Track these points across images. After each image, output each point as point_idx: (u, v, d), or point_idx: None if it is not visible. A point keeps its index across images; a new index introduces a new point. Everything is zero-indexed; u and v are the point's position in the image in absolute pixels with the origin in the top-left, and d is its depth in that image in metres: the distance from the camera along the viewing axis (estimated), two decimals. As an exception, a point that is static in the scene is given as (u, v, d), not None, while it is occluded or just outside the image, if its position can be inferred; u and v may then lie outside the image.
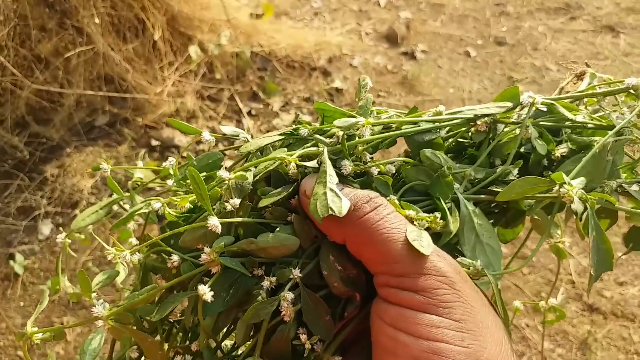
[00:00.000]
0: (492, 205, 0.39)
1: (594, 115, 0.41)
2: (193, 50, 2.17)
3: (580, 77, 0.47)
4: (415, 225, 0.32)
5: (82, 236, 0.50)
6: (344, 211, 0.31)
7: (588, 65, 0.47)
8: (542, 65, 2.38)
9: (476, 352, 0.27)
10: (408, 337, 0.28)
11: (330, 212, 0.31)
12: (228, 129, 0.42)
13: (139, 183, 0.46)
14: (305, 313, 0.33)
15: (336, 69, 2.34)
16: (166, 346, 0.37)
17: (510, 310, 0.40)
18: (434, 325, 0.28)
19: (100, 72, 1.99)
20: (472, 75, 2.35)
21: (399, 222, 0.32)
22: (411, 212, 0.33)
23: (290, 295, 0.32)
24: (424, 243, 0.30)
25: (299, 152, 0.36)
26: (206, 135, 0.42)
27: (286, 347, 0.33)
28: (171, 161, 0.43)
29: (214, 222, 0.33)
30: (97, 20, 1.96)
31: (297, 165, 0.36)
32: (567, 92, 0.46)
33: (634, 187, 0.39)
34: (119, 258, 0.36)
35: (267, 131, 1.76)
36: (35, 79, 1.90)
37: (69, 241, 0.44)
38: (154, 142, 1.95)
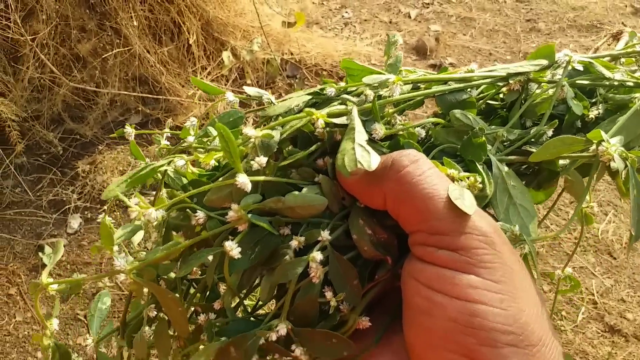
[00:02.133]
0: (524, 166, 0.38)
1: (636, 72, 0.39)
2: (226, 56, 2.21)
3: (616, 37, 0.46)
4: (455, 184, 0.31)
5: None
6: (373, 166, 0.30)
7: (625, 25, 0.46)
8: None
9: (515, 314, 0.26)
10: (444, 298, 0.27)
11: (359, 167, 0.30)
12: (252, 89, 0.40)
13: (164, 150, 0.44)
14: (332, 277, 0.32)
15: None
16: (185, 305, 0.36)
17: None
18: (473, 286, 0.27)
19: (135, 73, 2.05)
20: (501, 90, 2.34)
21: (440, 178, 0.30)
22: (453, 171, 0.32)
23: (319, 257, 0.31)
24: (466, 202, 0.29)
25: (326, 109, 0.35)
26: (230, 96, 0.40)
27: (313, 307, 0.32)
28: (193, 121, 0.41)
29: (243, 180, 0.32)
30: (135, 23, 2.02)
31: (325, 123, 0.34)
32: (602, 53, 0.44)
33: None
34: (144, 216, 0.34)
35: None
36: (72, 77, 1.97)
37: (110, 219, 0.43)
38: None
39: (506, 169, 0.35)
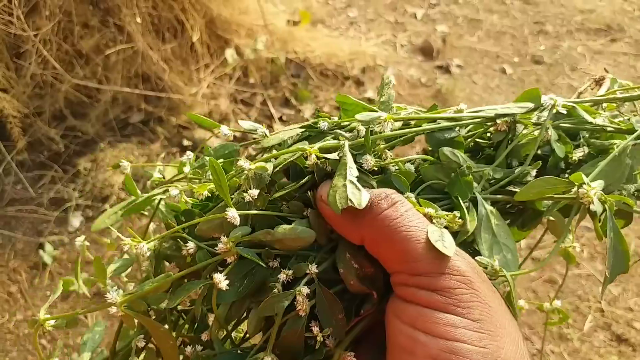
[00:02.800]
0: (509, 205, 0.39)
1: (616, 119, 0.41)
2: (229, 54, 2.20)
3: (599, 82, 0.47)
4: (434, 223, 0.32)
5: (107, 240, 0.51)
6: (363, 203, 0.31)
7: (607, 71, 0.47)
8: (579, 86, 2.34)
9: (493, 352, 0.27)
10: (426, 337, 0.28)
11: (350, 204, 0.30)
12: (246, 123, 0.42)
13: (157, 183, 0.45)
14: (319, 310, 0.32)
15: (369, 79, 2.34)
16: (174, 335, 0.37)
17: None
18: (453, 325, 0.28)
19: (138, 71, 2.03)
20: (507, 92, 2.32)
21: (417, 220, 0.31)
22: (430, 210, 0.33)
23: (306, 290, 0.32)
24: (446, 243, 0.30)
25: (319, 144, 0.36)
26: (224, 129, 0.42)
27: (299, 341, 0.33)
28: (189, 155, 0.43)
29: (233, 214, 0.33)
30: (138, 20, 2.00)
31: (317, 157, 0.35)
32: (585, 97, 0.46)
33: None
34: (136, 248, 0.35)
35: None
36: (75, 74, 1.95)
37: (88, 244, 0.44)
38: (186, 142, 1.98)
39: (491, 208, 0.36)
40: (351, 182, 0.32)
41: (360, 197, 0.31)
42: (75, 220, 1.73)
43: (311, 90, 2.25)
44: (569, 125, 0.40)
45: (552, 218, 0.40)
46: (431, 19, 2.79)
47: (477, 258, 0.33)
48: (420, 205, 0.34)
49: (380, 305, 0.33)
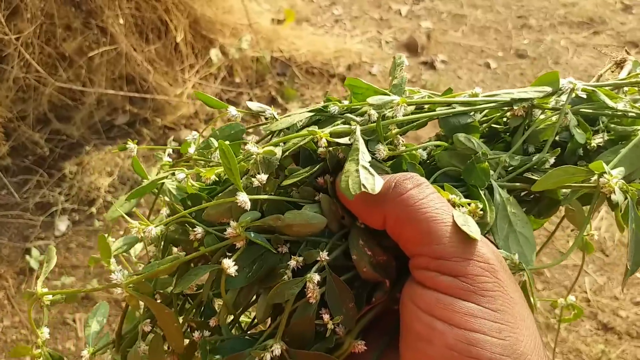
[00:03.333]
0: (524, 193, 0.38)
1: (636, 105, 0.39)
2: (214, 54, 2.19)
3: (620, 64, 0.45)
4: (457, 209, 0.31)
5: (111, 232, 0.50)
6: (377, 188, 0.30)
7: (628, 53, 0.45)
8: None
9: (513, 344, 0.26)
10: (444, 325, 0.27)
11: (363, 189, 0.30)
12: (254, 104, 0.40)
13: (167, 166, 0.44)
14: (329, 298, 0.32)
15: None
16: (181, 320, 0.36)
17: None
18: (472, 314, 0.27)
19: (122, 72, 2.02)
20: (492, 87, 2.33)
21: (442, 203, 0.30)
22: (454, 197, 0.32)
23: (317, 278, 0.31)
24: (472, 228, 0.29)
25: (329, 129, 0.35)
26: (232, 110, 0.40)
27: (309, 328, 0.32)
28: (194, 135, 0.41)
29: (243, 198, 0.32)
30: (121, 21, 1.99)
31: (328, 142, 0.34)
32: (606, 79, 0.44)
33: None
34: (143, 232, 0.34)
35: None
36: (58, 76, 1.93)
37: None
38: (173, 143, 1.97)
39: (507, 195, 0.35)
40: (364, 167, 0.31)
41: (374, 182, 0.30)
42: (62, 225, 1.71)
43: (297, 89, 2.25)
44: (589, 111, 0.38)
45: (570, 207, 0.38)
46: (415, 15, 2.80)
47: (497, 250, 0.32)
48: (444, 190, 0.33)
49: (391, 293, 0.33)
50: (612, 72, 0.45)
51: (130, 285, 0.32)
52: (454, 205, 0.31)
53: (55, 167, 1.87)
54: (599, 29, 2.68)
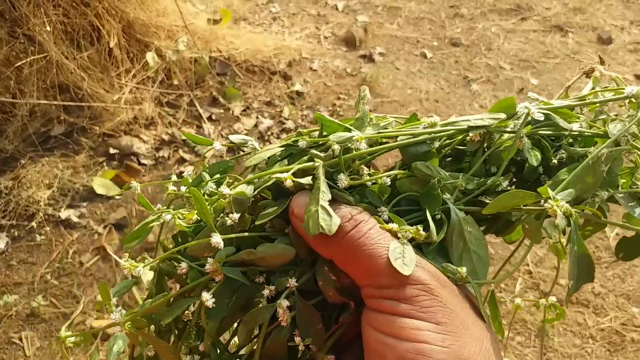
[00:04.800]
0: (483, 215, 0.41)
1: (600, 117, 0.42)
2: (150, 57, 2.15)
3: (588, 74, 0.47)
4: (399, 236, 0.34)
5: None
6: (333, 229, 0.33)
7: (601, 60, 0.47)
8: (496, 64, 2.45)
9: (456, 350, 0.30)
10: (394, 341, 0.30)
11: (321, 230, 0.33)
12: (236, 137, 0.44)
13: (173, 196, 0.47)
14: (299, 321, 0.35)
15: (296, 73, 2.35)
16: (182, 347, 0.40)
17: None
18: (417, 328, 0.30)
19: (54, 81, 1.95)
20: (429, 75, 2.40)
21: (379, 237, 0.34)
22: (394, 226, 0.35)
23: (285, 303, 0.35)
24: (406, 260, 0.32)
25: (295, 168, 0.38)
26: (217, 145, 0.44)
27: (282, 349, 0.36)
28: (189, 171, 0.46)
29: (217, 240, 0.35)
30: (48, 28, 1.92)
31: (292, 181, 0.37)
32: (573, 91, 0.46)
33: (625, 197, 0.39)
34: (135, 272, 0.38)
35: (229, 134, 1.75)
36: (-15, 89, 1.85)
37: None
38: (113, 151, 1.92)
39: (463, 215, 0.37)
40: (322, 207, 0.34)
41: (331, 223, 0.33)
42: (1, 242, 1.64)
43: (239, 87, 2.24)
44: (548, 132, 0.41)
45: (526, 225, 0.40)
46: (352, 10, 2.84)
47: (445, 265, 0.35)
48: (390, 220, 0.36)
49: (357, 313, 0.36)
50: (586, 78, 0.47)
51: (129, 323, 0.37)
52: (395, 234, 0.35)
53: (-12, 184, 1.79)
54: (526, 15, 2.80)
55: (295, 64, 2.40)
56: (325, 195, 0.35)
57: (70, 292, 1.53)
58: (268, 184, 0.38)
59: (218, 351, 0.40)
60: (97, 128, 1.95)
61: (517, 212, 0.39)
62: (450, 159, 0.42)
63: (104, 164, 1.89)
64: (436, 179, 0.38)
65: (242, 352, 0.41)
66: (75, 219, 1.71)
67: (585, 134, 0.40)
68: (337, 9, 2.85)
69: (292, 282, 0.36)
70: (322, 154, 0.39)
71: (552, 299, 0.56)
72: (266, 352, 0.36)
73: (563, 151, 0.41)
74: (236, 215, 0.37)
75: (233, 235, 0.37)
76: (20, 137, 1.90)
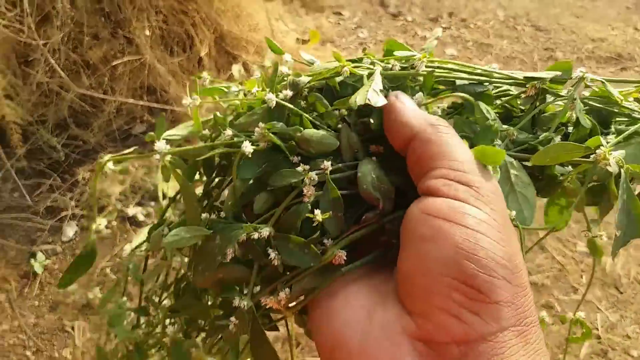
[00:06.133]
0: (528, 172, 0.40)
1: None
2: (236, 69, 2.19)
3: None
4: None
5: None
6: (379, 103, 0.34)
7: None
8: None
9: (511, 254, 0.29)
10: (452, 226, 0.29)
11: (367, 102, 0.34)
12: (306, 55, 0.45)
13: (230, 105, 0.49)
14: (322, 202, 0.35)
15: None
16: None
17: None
18: (480, 219, 0.29)
19: (144, 82, 2.03)
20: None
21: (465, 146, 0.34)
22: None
23: (314, 176, 0.35)
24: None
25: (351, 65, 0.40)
26: (287, 57, 0.46)
27: (297, 223, 0.35)
28: (257, 75, 0.47)
29: (270, 97, 0.37)
30: (147, 33, 2.01)
31: (350, 72, 0.39)
32: None
33: None
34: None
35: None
36: (81, 83, 1.95)
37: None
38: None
39: (511, 159, 0.36)
40: (374, 89, 0.35)
41: (377, 100, 0.34)
42: (70, 230, 1.71)
43: (316, 109, 2.24)
44: (599, 105, 0.40)
45: (571, 186, 0.40)
46: (441, 42, 2.79)
47: None
48: None
49: (382, 220, 0.35)
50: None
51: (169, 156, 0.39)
52: None
53: (69, 172, 1.88)
54: (626, 65, 2.62)
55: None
56: (378, 84, 0.36)
57: (125, 289, 1.57)
58: (328, 74, 0.39)
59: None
60: (175, 132, 2.00)
61: (563, 171, 0.39)
62: (498, 116, 0.41)
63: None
64: (490, 119, 0.37)
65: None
66: (141, 217, 1.75)
67: (634, 114, 0.40)
68: (425, 39, 2.81)
69: (327, 165, 0.35)
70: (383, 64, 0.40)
71: (580, 314, 0.51)
72: (283, 221, 0.36)
73: (611, 137, 0.39)
74: (290, 92, 0.38)
75: (288, 105, 0.38)
76: (104, 132, 1.99)
